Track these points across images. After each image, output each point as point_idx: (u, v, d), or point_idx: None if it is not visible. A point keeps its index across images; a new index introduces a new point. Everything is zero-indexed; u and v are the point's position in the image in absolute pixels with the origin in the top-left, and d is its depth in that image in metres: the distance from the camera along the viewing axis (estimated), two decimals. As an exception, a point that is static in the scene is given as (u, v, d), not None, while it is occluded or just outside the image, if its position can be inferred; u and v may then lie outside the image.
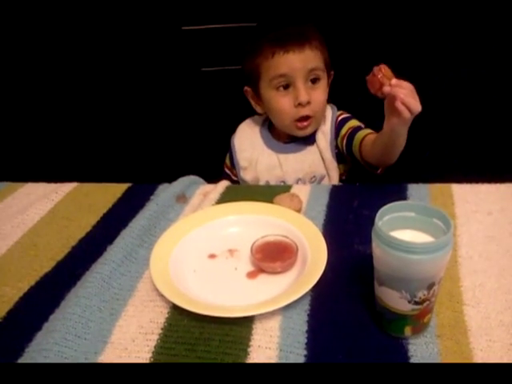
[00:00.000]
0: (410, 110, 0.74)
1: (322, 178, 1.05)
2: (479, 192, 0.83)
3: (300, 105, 0.97)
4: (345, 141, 1.01)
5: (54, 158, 1.54)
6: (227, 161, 1.15)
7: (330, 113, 1.07)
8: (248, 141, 1.10)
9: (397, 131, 0.80)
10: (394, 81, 0.74)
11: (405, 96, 0.73)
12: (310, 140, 1.06)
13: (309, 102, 0.97)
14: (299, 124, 1.00)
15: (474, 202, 0.81)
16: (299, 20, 1.04)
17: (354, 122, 1.04)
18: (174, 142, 1.50)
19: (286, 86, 0.98)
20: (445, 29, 1.25)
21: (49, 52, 1.46)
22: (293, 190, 0.88)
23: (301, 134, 1.03)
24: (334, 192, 0.88)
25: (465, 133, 1.35)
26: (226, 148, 1.15)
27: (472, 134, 1.34)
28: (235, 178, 1.12)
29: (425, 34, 1.28)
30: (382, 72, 0.75)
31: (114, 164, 1.50)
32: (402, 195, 0.83)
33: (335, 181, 1.04)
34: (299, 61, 0.95)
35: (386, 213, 0.55)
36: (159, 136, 1.52)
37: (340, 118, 1.06)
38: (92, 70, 1.47)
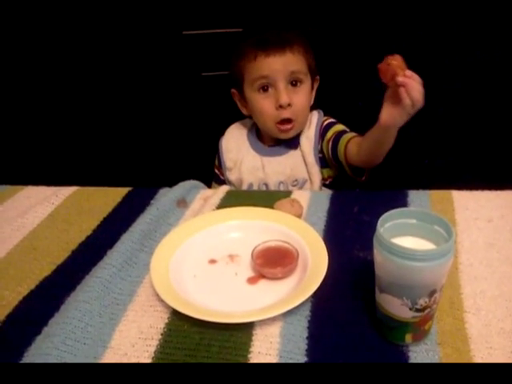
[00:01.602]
0: (412, 102, 0.75)
1: (304, 183, 1.06)
2: (479, 199, 0.84)
3: (281, 107, 0.99)
4: (330, 144, 1.02)
5: (55, 162, 1.54)
6: (216, 161, 1.17)
7: (315, 118, 1.08)
8: (234, 142, 1.13)
9: (393, 123, 0.81)
10: (409, 72, 0.74)
11: (412, 88, 0.74)
12: (293, 144, 1.07)
13: (289, 105, 0.99)
14: (281, 127, 1.02)
15: (474, 208, 0.81)
16: (286, 26, 1.06)
17: (339, 127, 1.05)
18: (175, 146, 1.51)
19: (267, 88, 1.00)
20: (439, 35, 1.26)
21: (50, 56, 1.46)
22: (293, 196, 0.88)
23: (283, 136, 1.04)
24: (335, 198, 0.88)
25: (464, 140, 1.35)
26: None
27: (472, 141, 1.34)
28: (222, 178, 1.14)
29: (419, 39, 1.28)
30: (397, 62, 0.75)
31: (114, 168, 1.51)
32: (402, 202, 0.83)
33: (317, 185, 1.05)
34: (280, 63, 0.98)
35: (388, 219, 0.55)
36: (160, 140, 1.52)
37: (326, 123, 1.07)
38: (93, 74, 1.48)
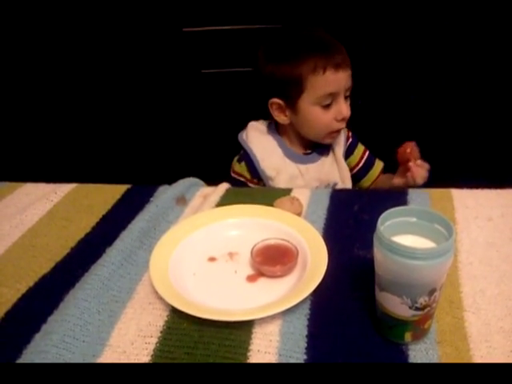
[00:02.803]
0: (414, 183, 0.94)
1: (334, 185, 1.07)
2: (479, 197, 0.84)
3: (343, 119, 0.99)
4: (359, 167, 1.09)
5: (54, 159, 1.54)
6: (246, 174, 1.07)
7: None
8: (267, 151, 1.07)
9: (399, 187, 0.97)
10: (419, 162, 0.93)
11: (417, 175, 0.93)
12: (325, 151, 1.08)
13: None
14: (333, 134, 1.03)
15: (474, 207, 0.81)
16: (320, 23, 1.05)
17: (362, 147, 1.11)
18: (174, 143, 1.50)
19: (331, 103, 0.98)
20: (445, 39, 1.26)
21: (50, 52, 1.45)
22: (293, 194, 0.88)
23: (330, 141, 1.05)
24: (335, 196, 0.87)
25: (465, 138, 1.35)
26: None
27: (472, 140, 1.34)
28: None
29: (425, 42, 1.28)
30: (412, 150, 0.93)
31: (113, 165, 1.50)
32: (402, 200, 0.83)
33: (349, 186, 1.08)
34: (345, 79, 0.96)
35: (388, 218, 0.55)
36: (159, 137, 1.52)
37: (351, 137, 1.11)
38: (93, 72, 1.47)
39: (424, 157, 1.25)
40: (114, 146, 1.54)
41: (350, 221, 0.80)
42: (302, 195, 0.87)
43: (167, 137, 1.51)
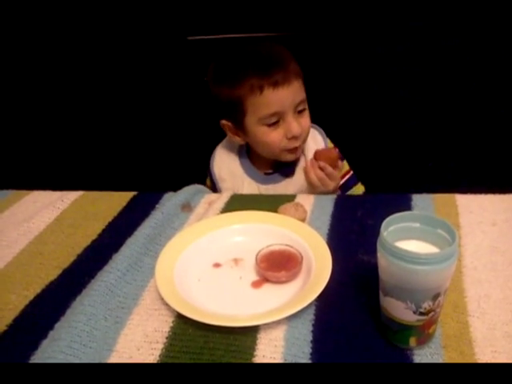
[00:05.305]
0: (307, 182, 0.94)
1: None
2: (483, 202, 0.84)
3: (294, 137, 0.95)
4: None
5: (60, 166, 1.55)
6: (208, 182, 1.11)
7: (319, 139, 1.05)
8: (228, 170, 1.07)
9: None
10: (312, 161, 0.92)
11: (306, 173, 0.93)
12: (289, 172, 1.04)
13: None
14: (292, 150, 0.98)
15: (478, 212, 0.81)
16: (272, 40, 1.00)
17: (360, 189, 1.05)
18: (180, 151, 1.51)
19: (277, 122, 0.94)
20: (445, 44, 1.26)
21: (54, 61, 1.47)
22: (297, 200, 0.89)
23: (290, 158, 1.01)
24: (339, 202, 0.88)
25: (469, 143, 1.35)
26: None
27: (476, 145, 1.34)
28: None
29: (425, 45, 1.28)
30: (321, 152, 0.94)
31: (119, 172, 1.52)
32: (406, 205, 0.83)
33: None
34: (288, 95, 0.92)
35: (392, 223, 0.55)
36: (165, 145, 1.53)
37: (348, 178, 1.05)
38: (98, 80, 1.49)
39: (428, 161, 1.26)
40: (120, 153, 1.55)
41: (354, 226, 0.80)
42: (306, 201, 0.87)
43: (172, 144, 1.52)
